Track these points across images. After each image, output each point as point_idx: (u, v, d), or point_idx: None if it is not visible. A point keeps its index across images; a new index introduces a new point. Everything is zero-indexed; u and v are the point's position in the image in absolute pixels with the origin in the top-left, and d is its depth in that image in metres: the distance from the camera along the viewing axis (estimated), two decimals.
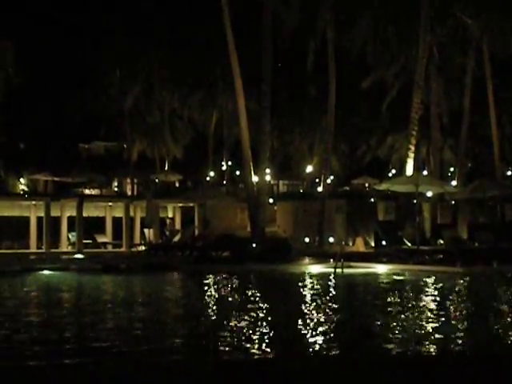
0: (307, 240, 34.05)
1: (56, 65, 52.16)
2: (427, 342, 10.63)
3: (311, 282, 21.13)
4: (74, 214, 32.54)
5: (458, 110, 40.65)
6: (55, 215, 32.56)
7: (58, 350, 10.04)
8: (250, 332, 11.48)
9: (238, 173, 59.10)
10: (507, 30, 36.50)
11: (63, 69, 52.02)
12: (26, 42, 47.55)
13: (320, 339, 10.93)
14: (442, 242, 29.97)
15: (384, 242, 29.66)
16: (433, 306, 15.46)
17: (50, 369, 8.66)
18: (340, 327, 12.37)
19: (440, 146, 41.30)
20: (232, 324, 12.50)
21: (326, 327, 12.09)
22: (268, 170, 37.19)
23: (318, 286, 20.01)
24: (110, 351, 10.02)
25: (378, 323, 12.71)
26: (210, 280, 22.01)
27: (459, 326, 12.41)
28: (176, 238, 32.47)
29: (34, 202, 34.24)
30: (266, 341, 10.81)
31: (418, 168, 37.98)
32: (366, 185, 61.07)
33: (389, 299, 16.56)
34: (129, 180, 58.35)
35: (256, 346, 10.28)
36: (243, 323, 12.50)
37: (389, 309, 14.67)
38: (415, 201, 30.79)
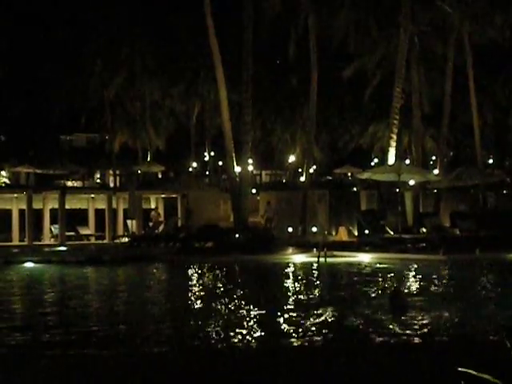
0: (290, 230, 34.08)
1: (37, 55, 51.76)
2: (410, 330, 10.69)
3: (295, 272, 21.18)
4: (57, 206, 32.39)
5: (439, 99, 40.77)
6: (37, 207, 32.39)
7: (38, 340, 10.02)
8: (232, 321, 11.50)
9: (220, 163, 59.11)
10: (487, 18, 36.63)
11: (44, 59, 51.62)
12: (5, 34, 47.12)
13: (305, 328, 10.96)
14: (424, 230, 30.09)
15: (366, 231, 29.75)
16: (415, 293, 15.53)
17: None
18: (324, 316, 12.41)
19: (421, 135, 41.41)
20: (215, 314, 12.51)
21: (311, 316, 12.12)
22: (250, 161, 37.17)
23: (302, 276, 20.06)
24: (90, 342, 10.01)
25: (360, 311, 12.76)
26: (192, 271, 22.00)
27: (442, 313, 12.49)
28: (159, 229, 32.43)
29: (15, 195, 34.02)
30: (248, 330, 10.83)
31: (400, 157, 38.10)
32: (349, 174, 61.30)
33: (372, 287, 16.61)
34: (111, 172, 58.19)
35: (238, 335, 10.30)
36: (226, 313, 12.51)
37: (372, 296, 14.74)
38: (397, 189, 30.91)
